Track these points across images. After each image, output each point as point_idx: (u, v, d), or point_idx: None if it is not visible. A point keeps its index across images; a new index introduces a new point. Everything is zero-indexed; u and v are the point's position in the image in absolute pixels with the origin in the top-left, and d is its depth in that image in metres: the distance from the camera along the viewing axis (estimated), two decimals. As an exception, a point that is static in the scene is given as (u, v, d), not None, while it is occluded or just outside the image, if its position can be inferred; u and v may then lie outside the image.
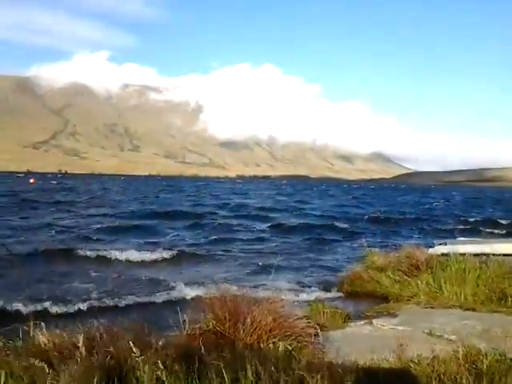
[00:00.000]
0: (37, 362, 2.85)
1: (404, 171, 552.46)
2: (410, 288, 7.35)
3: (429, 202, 55.63)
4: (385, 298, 7.54)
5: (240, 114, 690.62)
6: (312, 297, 8.12)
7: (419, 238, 18.23)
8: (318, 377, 3.01)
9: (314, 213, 31.57)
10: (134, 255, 12.17)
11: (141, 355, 2.97)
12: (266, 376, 2.95)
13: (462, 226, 23.96)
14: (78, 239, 15.31)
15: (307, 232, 19.96)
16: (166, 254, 12.52)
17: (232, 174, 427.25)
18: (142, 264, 11.65)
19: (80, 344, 3.06)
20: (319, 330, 4.92)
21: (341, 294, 8.46)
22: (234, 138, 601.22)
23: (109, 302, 7.75)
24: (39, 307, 7.08)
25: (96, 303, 7.60)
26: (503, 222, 25.99)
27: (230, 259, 12.81)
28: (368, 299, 7.82)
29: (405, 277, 7.74)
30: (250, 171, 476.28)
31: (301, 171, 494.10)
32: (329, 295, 8.39)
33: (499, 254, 8.24)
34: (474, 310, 6.32)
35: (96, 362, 2.91)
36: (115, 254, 12.06)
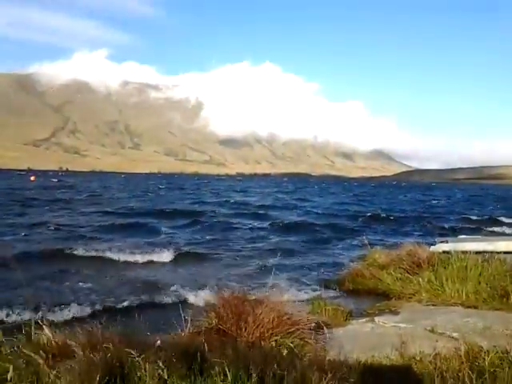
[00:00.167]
0: (39, 359, 2.85)
1: (405, 169, 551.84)
2: (412, 285, 7.34)
3: (430, 199, 55.57)
4: (386, 296, 7.52)
5: (240, 112, 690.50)
6: (313, 294, 8.10)
7: (420, 235, 18.21)
8: (321, 374, 3.00)
9: (314, 210, 31.54)
10: (132, 255, 11.98)
11: (143, 354, 2.97)
12: (269, 374, 2.95)
13: (463, 224, 23.93)
14: (77, 238, 15.13)
15: (308, 230, 19.95)
16: (166, 254, 12.37)
17: (232, 171, 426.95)
18: (141, 264, 11.47)
19: (82, 343, 3.06)
20: (321, 328, 4.92)
21: (342, 292, 8.45)
22: (234, 135, 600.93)
23: (109, 303, 7.65)
24: (38, 309, 6.98)
25: (96, 306, 7.48)
26: (504, 219, 25.88)
27: (230, 258, 12.74)
28: (370, 297, 7.80)
29: (406, 274, 7.73)
30: (250, 169, 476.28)
31: (301, 169, 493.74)
32: (330, 293, 8.36)
33: (501, 252, 8.23)
34: (475, 307, 6.31)
35: (98, 360, 2.91)
36: (114, 255, 11.87)
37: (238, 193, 58.53)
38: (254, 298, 4.85)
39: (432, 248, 9.02)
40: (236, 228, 20.11)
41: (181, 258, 12.25)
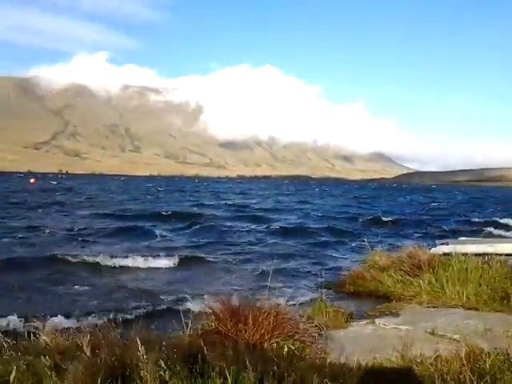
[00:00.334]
0: (41, 361, 2.85)
1: (405, 171, 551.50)
2: (413, 287, 7.33)
3: (430, 201, 55.55)
4: (387, 298, 7.52)
5: (240, 115, 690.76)
6: (314, 297, 8.10)
7: (421, 237, 18.20)
8: (321, 377, 3.00)
9: (315, 213, 31.54)
10: (129, 259, 11.81)
11: (144, 355, 2.97)
12: (269, 376, 2.95)
13: (464, 227, 23.91)
14: (76, 242, 15.00)
15: (308, 232, 19.95)
16: (164, 258, 12.23)
17: (233, 174, 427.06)
18: (140, 269, 11.33)
19: (84, 344, 3.06)
20: (322, 330, 4.92)
21: (343, 294, 8.45)
22: (234, 138, 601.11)
23: (109, 307, 7.58)
24: (37, 313, 6.92)
25: (96, 310, 7.42)
26: (504, 221, 25.85)
27: (230, 261, 12.66)
28: (370, 299, 7.80)
29: (407, 276, 7.72)
30: (250, 171, 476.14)
31: (302, 171, 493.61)
32: (331, 295, 8.37)
33: (501, 254, 8.23)
34: (476, 309, 6.31)
35: (100, 361, 2.91)
36: (111, 260, 11.60)
37: (238, 195, 58.51)
38: (253, 300, 4.85)
39: (432, 250, 9.03)
40: (236, 231, 20.04)
41: (180, 262, 12.13)
